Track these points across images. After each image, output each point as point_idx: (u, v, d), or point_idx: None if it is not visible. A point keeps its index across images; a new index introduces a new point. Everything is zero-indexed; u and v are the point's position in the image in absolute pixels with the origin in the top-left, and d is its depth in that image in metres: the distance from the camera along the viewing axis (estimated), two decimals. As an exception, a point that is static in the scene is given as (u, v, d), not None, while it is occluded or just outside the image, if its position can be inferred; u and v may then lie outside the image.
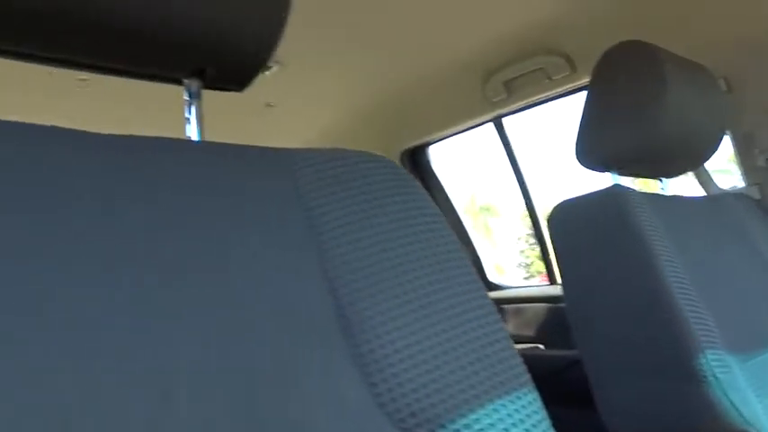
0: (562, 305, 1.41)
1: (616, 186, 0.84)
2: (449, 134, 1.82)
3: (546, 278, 1.65)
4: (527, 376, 0.43)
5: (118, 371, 0.31)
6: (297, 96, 1.68)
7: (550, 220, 0.87)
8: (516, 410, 0.41)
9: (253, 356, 0.35)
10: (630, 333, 0.72)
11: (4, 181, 0.33)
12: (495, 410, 0.40)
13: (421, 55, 1.48)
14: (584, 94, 0.94)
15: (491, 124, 1.71)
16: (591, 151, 0.91)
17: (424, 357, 0.40)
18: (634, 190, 0.83)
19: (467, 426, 0.39)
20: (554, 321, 1.43)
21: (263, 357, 0.36)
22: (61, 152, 0.36)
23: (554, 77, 1.41)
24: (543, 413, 0.42)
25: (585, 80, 1.37)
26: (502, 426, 0.40)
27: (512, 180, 1.70)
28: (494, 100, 1.58)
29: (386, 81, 1.60)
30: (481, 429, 0.39)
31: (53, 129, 0.38)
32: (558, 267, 0.88)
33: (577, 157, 0.92)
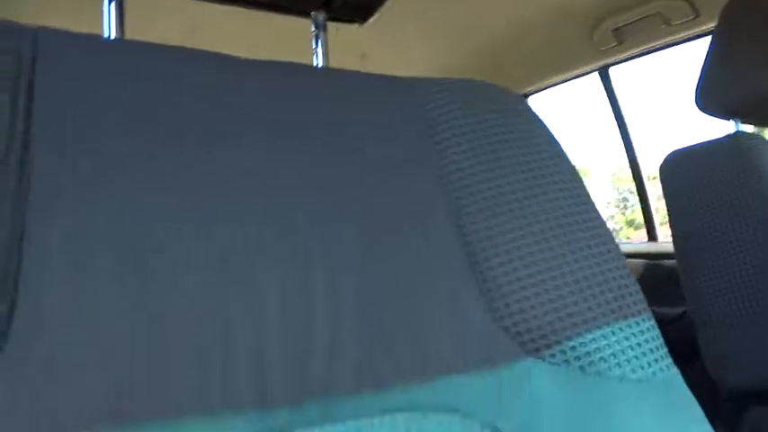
0: (662, 262, 1.36)
1: (739, 133, 0.79)
2: (550, 84, 1.76)
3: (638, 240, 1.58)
4: (645, 305, 0.44)
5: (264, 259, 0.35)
6: (392, 48, 1.67)
7: (663, 169, 0.84)
8: (633, 335, 0.41)
9: (383, 275, 0.38)
10: (748, 287, 0.69)
11: (174, 105, 0.37)
12: (613, 333, 0.41)
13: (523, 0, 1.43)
14: (702, 41, 0.88)
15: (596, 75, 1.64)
16: (714, 97, 0.86)
17: (543, 278, 0.41)
18: (761, 137, 0.78)
19: (582, 344, 0.40)
20: (652, 278, 1.38)
21: (392, 276, 0.38)
22: (224, 77, 0.40)
23: (673, 23, 1.32)
24: (661, 341, 0.43)
25: (710, 25, 1.28)
26: (618, 347, 0.41)
27: (609, 137, 1.63)
28: (601, 48, 1.51)
29: (485, 29, 1.56)
30: (597, 348, 0.40)
31: (214, 54, 0.41)
32: (670, 219, 0.84)
33: (697, 103, 0.87)
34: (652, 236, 1.54)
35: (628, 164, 1.68)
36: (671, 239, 0.88)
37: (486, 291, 0.41)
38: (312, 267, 0.36)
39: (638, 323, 0.42)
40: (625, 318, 0.42)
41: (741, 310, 0.70)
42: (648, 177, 1.67)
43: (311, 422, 0.33)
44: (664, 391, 0.40)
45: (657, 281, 1.36)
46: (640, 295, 0.44)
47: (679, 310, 0.95)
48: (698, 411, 0.41)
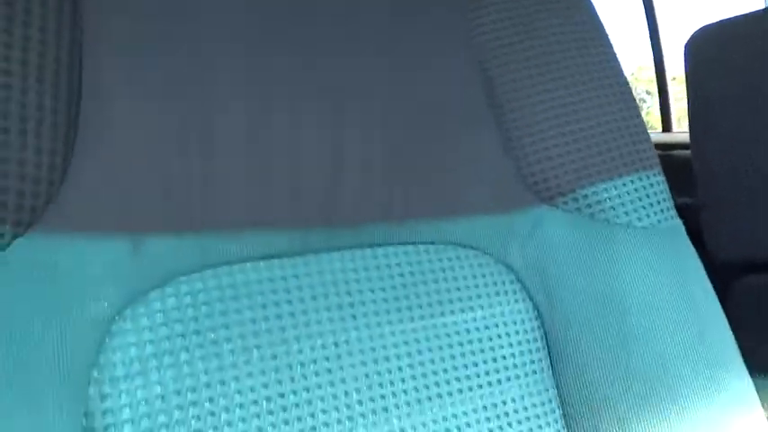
0: (674, 152, 1.37)
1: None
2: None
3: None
4: (656, 160, 0.46)
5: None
6: None
7: (689, 45, 0.82)
8: (643, 187, 0.44)
9: (408, 120, 0.40)
10: (763, 164, 0.71)
11: None
12: (624, 184, 0.44)
13: None
14: None
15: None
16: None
17: (561, 131, 0.44)
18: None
19: (594, 193, 0.43)
20: (663, 168, 1.39)
21: (418, 121, 0.41)
22: None
23: None
24: (667, 194, 0.45)
25: None
26: (627, 197, 0.43)
27: (627, 38, 1.58)
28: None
29: None
30: (608, 198, 0.43)
31: None
32: (689, 99, 0.84)
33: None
34: (667, 127, 1.54)
35: (643, 65, 1.63)
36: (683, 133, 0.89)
37: (507, 140, 0.43)
38: (344, 109, 0.39)
39: (648, 176, 0.45)
40: (636, 171, 0.44)
41: (751, 188, 0.72)
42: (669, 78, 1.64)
43: (343, 245, 0.37)
44: (666, 238, 0.44)
45: (669, 170, 1.37)
46: (652, 151, 0.46)
47: (688, 199, 0.98)
48: (696, 258, 0.44)
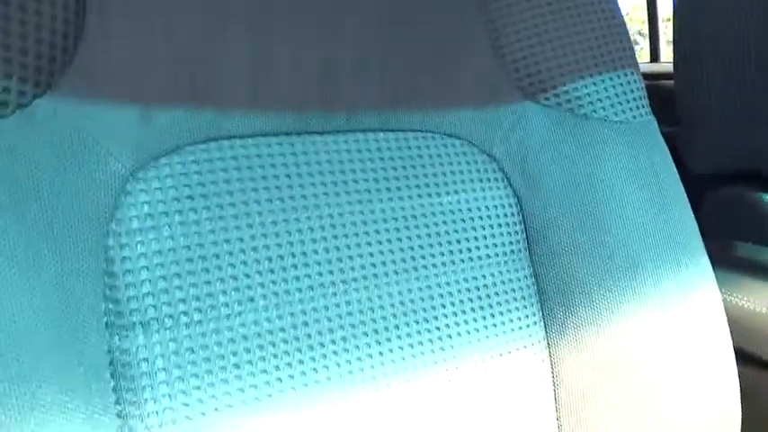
0: (661, 82, 1.39)
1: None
2: None
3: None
4: (634, 60, 0.48)
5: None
6: None
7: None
8: (620, 84, 0.47)
9: (403, 24, 0.42)
10: (745, 79, 0.73)
11: None
12: (602, 81, 0.46)
13: None
14: None
15: None
16: None
17: (546, 29, 0.46)
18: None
19: (575, 89, 0.46)
20: (650, 98, 1.41)
21: (413, 24, 0.42)
22: None
23: None
24: (643, 93, 0.48)
25: None
26: (605, 94, 0.46)
27: None
28: None
29: None
30: (587, 94, 0.46)
31: None
32: (674, 29, 0.85)
33: None
34: (655, 57, 1.54)
35: (639, 4, 1.61)
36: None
37: (495, 41, 0.45)
38: (342, 8, 0.40)
39: (625, 74, 0.47)
40: (615, 69, 0.47)
41: (732, 103, 0.74)
42: (663, 19, 1.63)
43: (339, 129, 0.39)
44: (640, 132, 0.47)
45: (655, 99, 1.38)
46: (631, 50, 0.48)
47: (672, 128, 1.01)
48: (667, 152, 0.47)
